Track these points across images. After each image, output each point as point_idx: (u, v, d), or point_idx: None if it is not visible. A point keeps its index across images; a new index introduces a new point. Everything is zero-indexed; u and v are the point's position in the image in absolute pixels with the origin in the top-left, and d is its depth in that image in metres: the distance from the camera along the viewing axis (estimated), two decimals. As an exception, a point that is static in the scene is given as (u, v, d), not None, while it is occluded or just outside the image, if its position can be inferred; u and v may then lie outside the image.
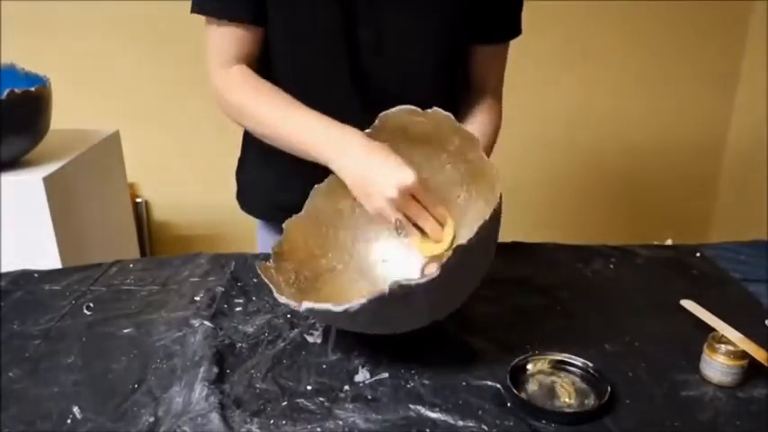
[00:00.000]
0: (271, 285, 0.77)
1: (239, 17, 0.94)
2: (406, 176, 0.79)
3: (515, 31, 1.05)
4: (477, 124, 1.03)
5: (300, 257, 0.91)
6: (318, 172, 1.00)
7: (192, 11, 0.96)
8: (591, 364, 0.76)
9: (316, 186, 0.94)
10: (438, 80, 1.04)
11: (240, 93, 0.96)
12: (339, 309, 0.70)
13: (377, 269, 0.95)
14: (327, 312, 0.71)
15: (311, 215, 0.94)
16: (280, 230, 1.06)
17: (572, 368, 0.77)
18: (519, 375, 0.75)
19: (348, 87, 0.99)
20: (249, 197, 1.16)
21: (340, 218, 0.96)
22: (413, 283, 0.68)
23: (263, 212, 1.15)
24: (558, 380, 0.75)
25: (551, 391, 0.74)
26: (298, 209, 0.98)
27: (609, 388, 0.72)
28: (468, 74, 1.09)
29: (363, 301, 0.68)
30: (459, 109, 1.07)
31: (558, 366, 0.77)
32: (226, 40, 0.96)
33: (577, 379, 0.75)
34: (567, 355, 0.78)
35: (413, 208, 0.81)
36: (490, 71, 1.08)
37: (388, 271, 0.94)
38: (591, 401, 0.72)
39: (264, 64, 1.01)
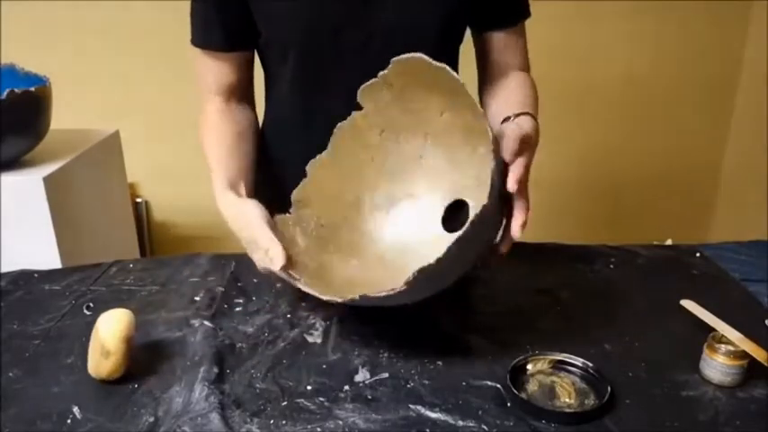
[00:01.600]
0: (293, 277, 0.78)
1: (214, 46, 0.99)
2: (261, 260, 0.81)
3: (523, 12, 1.03)
4: (504, 92, 0.99)
5: (323, 199, 0.93)
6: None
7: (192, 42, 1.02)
8: (591, 364, 0.76)
9: (339, 125, 0.94)
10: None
11: (201, 127, 1.03)
12: (346, 299, 0.72)
13: (401, 203, 0.96)
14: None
15: (335, 154, 0.95)
16: None
17: (572, 368, 0.77)
18: (519, 375, 0.75)
19: (341, 93, 0.97)
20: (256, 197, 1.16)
21: (366, 150, 0.96)
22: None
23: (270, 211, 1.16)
24: (558, 380, 0.75)
25: (551, 391, 0.74)
26: None
27: (609, 388, 0.72)
28: (489, 65, 1.06)
29: (381, 294, 0.70)
30: (484, 95, 1.05)
31: (558, 366, 0.77)
32: (208, 69, 1.01)
33: (577, 379, 0.75)
34: (566, 355, 0.78)
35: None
36: (510, 56, 1.05)
37: (412, 209, 0.96)
38: (591, 401, 0.72)
39: (267, 79, 1.07)
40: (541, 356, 0.78)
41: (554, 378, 0.76)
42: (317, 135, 0.98)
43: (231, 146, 0.99)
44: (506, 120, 0.88)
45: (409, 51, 0.94)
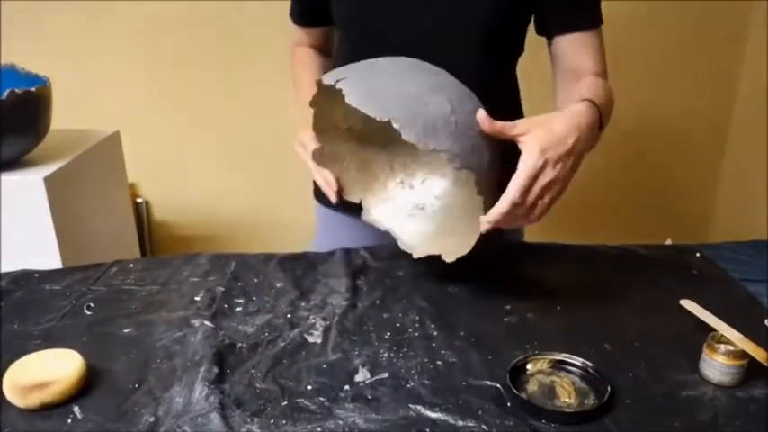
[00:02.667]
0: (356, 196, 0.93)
1: (298, 23, 1.22)
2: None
3: (594, 19, 1.00)
4: (577, 90, 0.95)
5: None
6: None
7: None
8: (591, 364, 0.76)
9: None
10: (485, 80, 1.01)
11: (292, 65, 1.24)
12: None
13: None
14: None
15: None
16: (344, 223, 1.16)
17: (572, 368, 0.77)
18: (519, 375, 0.76)
19: None
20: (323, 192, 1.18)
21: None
22: None
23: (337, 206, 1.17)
24: (557, 379, 0.75)
25: (551, 391, 0.74)
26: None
27: (609, 388, 0.72)
28: (561, 72, 1.04)
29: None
30: (557, 101, 1.04)
31: (558, 366, 0.77)
32: (296, 33, 1.24)
33: (577, 379, 0.76)
34: (566, 354, 0.78)
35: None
36: (583, 60, 1.01)
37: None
38: (591, 401, 0.72)
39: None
40: (541, 356, 0.78)
41: (554, 378, 0.76)
42: None
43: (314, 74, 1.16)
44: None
45: (452, 50, 0.98)
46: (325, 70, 1.07)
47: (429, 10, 0.99)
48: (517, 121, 0.82)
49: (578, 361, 0.77)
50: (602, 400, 0.70)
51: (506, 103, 1.10)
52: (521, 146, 0.81)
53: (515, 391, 0.72)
